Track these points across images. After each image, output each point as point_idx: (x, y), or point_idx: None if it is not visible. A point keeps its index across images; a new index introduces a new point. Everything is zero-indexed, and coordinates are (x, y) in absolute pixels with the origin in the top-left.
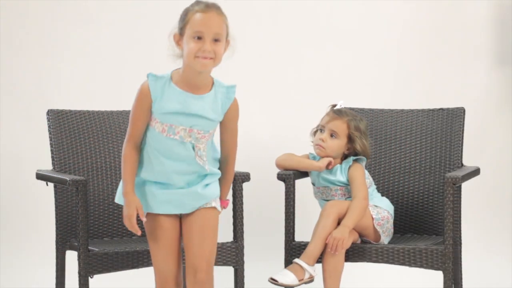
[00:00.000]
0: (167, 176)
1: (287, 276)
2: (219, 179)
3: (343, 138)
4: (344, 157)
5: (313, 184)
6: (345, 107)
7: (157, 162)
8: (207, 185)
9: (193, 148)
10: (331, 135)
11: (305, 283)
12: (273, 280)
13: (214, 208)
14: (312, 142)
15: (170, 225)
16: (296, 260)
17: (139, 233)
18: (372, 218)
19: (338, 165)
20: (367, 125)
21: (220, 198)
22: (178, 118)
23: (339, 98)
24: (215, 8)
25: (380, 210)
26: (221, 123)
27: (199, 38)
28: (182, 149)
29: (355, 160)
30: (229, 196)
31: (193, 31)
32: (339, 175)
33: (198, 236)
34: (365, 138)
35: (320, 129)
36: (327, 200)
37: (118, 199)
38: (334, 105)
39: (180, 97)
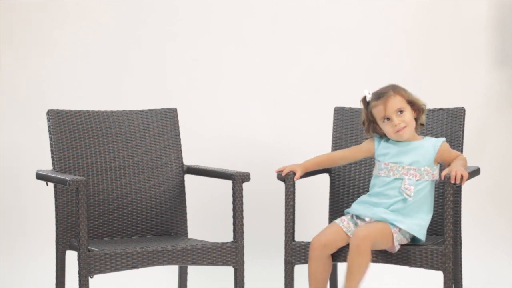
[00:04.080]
0: None
1: None
2: None
3: (407, 108)
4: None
5: (378, 160)
6: (372, 92)
7: None
8: None
9: None
10: (400, 112)
11: None
12: None
13: None
14: (378, 136)
15: None
16: None
17: None
18: (393, 243)
19: (421, 142)
20: (395, 84)
21: None
22: None
23: (339, 98)
24: None
25: (402, 239)
26: None
27: None
28: None
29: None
30: (229, 197)
31: None
32: (423, 155)
33: None
34: (411, 94)
35: (385, 119)
36: (395, 180)
37: None
38: (364, 98)
39: None
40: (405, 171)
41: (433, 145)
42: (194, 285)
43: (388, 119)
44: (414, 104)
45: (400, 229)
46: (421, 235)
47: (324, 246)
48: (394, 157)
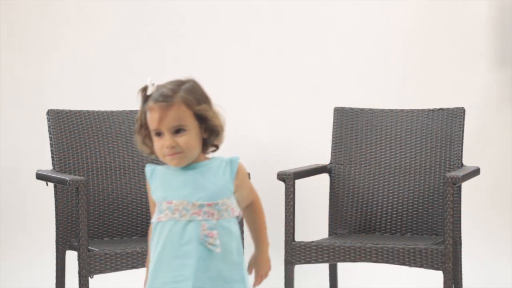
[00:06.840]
0: None
1: None
2: None
3: (192, 125)
4: (204, 143)
5: (163, 199)
6: (157, 84)
7: None
8: None
9: None
10: (177, 132)
11: None
12: None
13: None
14: (148, 151)
15: None
16: None
17: None
18: None
19: (210, 164)
20: (195, 82)
21: None
22: None
23: (339, 98)
24: None
25: None
26: None
27: None
28: None
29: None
30: None
31: None
32: (217, 182)
33: None
34: (210, 105)
35: (157, 133)
36: (187, 224)
37: None
38: (145, 88)
39: None
40: (196, 210)
41: (228, 166)
42: None
43: (161, 134)
44: (206, 122)
45: None
46: None
47: None
48: (177, 190)
